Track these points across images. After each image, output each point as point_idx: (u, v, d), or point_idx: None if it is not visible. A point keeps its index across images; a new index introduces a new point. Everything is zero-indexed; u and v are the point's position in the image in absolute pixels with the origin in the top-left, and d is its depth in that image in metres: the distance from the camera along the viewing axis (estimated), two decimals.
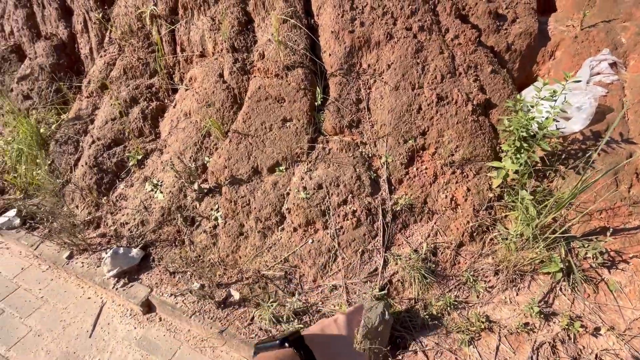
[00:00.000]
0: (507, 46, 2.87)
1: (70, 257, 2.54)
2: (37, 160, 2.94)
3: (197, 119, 2.67)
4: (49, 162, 2.96)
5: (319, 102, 2.63)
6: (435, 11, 2.85)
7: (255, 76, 2.71)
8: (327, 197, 2.27)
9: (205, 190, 2.49)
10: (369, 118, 2.62)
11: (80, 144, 3.04)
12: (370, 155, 2.50)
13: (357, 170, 2.37)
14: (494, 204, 2.32)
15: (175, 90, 3.06)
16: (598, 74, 2.50)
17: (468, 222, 2.23)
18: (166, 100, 3.04)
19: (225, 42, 2.79)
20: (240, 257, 2.32)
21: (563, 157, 2.31)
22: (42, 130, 3.13)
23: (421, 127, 2.52)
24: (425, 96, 2.58)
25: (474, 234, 2.23)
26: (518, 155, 2.20)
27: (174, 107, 2.89)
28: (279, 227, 2.30)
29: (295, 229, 2.24)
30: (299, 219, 2.23)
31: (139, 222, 2.58)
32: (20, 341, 2.14)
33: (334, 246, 2.15)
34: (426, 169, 2.44)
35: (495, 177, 2.29)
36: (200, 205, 2.50)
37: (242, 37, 2.84)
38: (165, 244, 2.49)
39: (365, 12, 2.76)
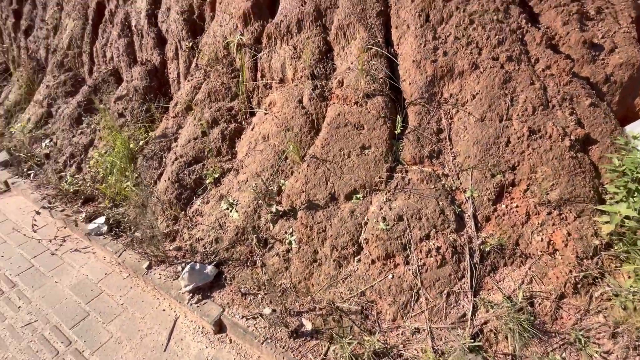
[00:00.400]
0: (606, 77, 2.64)
1: (149, 267, 2.66)
2: (127, 173, 3.20)
3: (275, 142, 2.74)
4: (136, 175, 3.20)
5: (399, 131, 2.57)
6: (523, 41, 2.72)
7: (333, 103, 2.75)
8: (408, 230, 2.16)
9: (280, 213, 2.51)
10: (450, 149, 2.51)
11: (164, 160, 3.26)
12: (453, 188, 2.37)
13: (440, 203, 2.24)
14: (600, 252, 2.04)
15: (252, 114, 3.20)
16: None
17: (570, 271, 1.98)
18: (244, 123, 3.19)
19: (305, 69, 2.89)
20: (313, 285, 2.26)
21: None
22: (131, 146, 3.42)
23: (510, 161, 2.35)
24: (514, 129, 2.42)
25: (578, 286, 1.97)
26: (634, 199, 1.94)
27: (252, 129, 3.00)
28: (356, 258, 2.22)
29: (373, 261, 2.15)
30: (377, 251, 2.14)
31: (213, 239, 2.65)
32: (103, 347, 2.23)
33: (416, 284, 2.01)
34: (517, 207, 2.24)
35: (604, 223, 2.03)
36: (274, 227, 2.52)
37: (321, 65, 2.92)
38: (237, 264, 2.51)
39: (449, 41, 2.71)
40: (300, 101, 2.81)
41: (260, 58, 3.16)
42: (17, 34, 5.74)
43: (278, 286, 2.32)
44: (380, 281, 2.08)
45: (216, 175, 2.96)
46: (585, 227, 2.10)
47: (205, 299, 2.37)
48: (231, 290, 2.41)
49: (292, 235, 2.41)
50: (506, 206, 2.25)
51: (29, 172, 4.09)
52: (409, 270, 2.05)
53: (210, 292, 2.42)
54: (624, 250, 1.97)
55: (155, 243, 2.75)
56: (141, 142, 3.50)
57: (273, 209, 2.48)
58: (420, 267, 2.05)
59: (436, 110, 2.62)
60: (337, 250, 2.24)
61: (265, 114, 2.95)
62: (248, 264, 2.50)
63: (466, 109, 2.56)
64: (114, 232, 3.03)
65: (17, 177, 4.09)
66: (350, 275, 2.18)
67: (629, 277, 1.92)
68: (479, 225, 2.22)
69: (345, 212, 2.33)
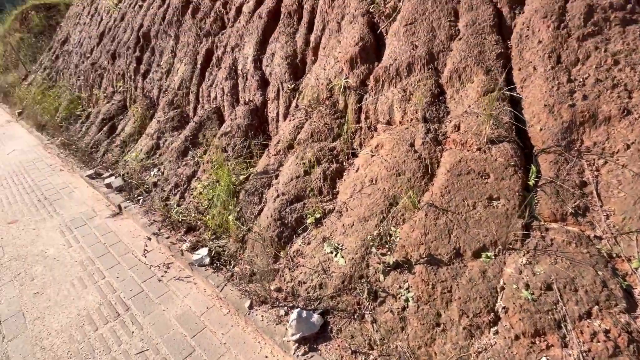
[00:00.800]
0: None
1: (250, 306, 2.63)
2: (230, 207, 3.32)
3: (385, 186, 2.63)
4: (238, 209, 3.30)
5: (532, 182, 2.29)
6: None
7: (450, 148, 2.58)
8: (561, 303, 1.81)
9: (393, 264, 2.33)
10: (600, 206, 2.14)
11: (264, 196, 3.34)
12: (612, 254, 1.98)
13: (600, 273, 1.87)
14: None
15: (354, 155, 3.16)
16: None
17: None
18: (345, 163, 3.16)
19: (417, 112, 2.80)
20: (436, 354, 1.98)
21: None
22: (232, 179, 3.59)
23: None
24: None
25: None
26: None
27: (356, 171, 2.95)
28: (491, 329, 1.92)
29: (517, 337, 1.82)
30: (522, 325, 1.82)
31: (317, 284, 2.54)
32: None
33: None
34: None
35: None
36: (385, 279, 2.33)
37: (433, 108, 2.81)
38: (343, 315, 2.35)
39: (588, 84, 2.42)
40: (412, 145, 2.70)
41: (366, 100, 3.16)
42: (137, 76, 6.71)
43: (393, 348, 2.09)
44: None
45: (317, 216, 2.92)
46: None
47: (312, 351, 2.22)
48: (339, 345, 2.23)
49: (409, 292, 2.20)
50: None
51: (139, 197, 4.52)
52: (570, 356, 1.69)
53: (317, 343, 2.27)
54: None
55: (256, 281, 2.73)
56: (242, 177, 3.66)
57: (387, 259, 2.32)
58: (584, 354, 1.67)
59: (576, 160, 2.30)
60: (467, 316, 1.97)
61: (372, 156, 2.88)
62: (355, 316, 2.33)
63: (618, 160, 2.20)
64: (215, 264, 3.11)
65: (128, 201, 4.55)
66: (486, 349, 1.87)
67: None
68: None
69: (474, 271, 2.06)
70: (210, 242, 3.27)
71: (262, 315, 2.54)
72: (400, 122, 2.93)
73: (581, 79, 2.47)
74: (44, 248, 3.88)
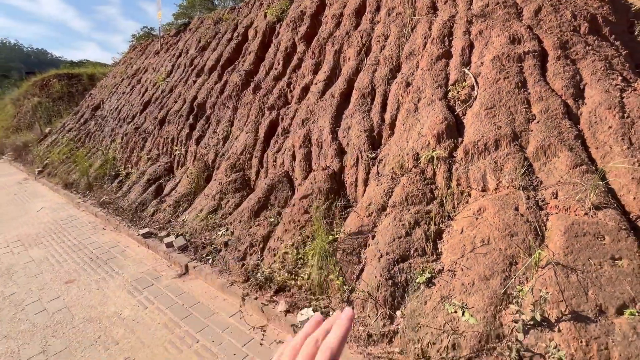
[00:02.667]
0: None
1: None
2: (330, 266, 3.39)
3: (500, 246, 2.85)
4: (338, 268, 3.37)
5: None
6: None
7: (554, 213, 2.90)
8: None
9: (534, 322, 2.42)
10: None
11: (362, 255, 3.46)
12: None
13: None
14: None
15: (449, 217, 3.43)
16: None
17: None
18: (442, 226, 3.40)
19: (513, 180, 3.18)
20: None
21: None
22: (327, 241, 3.71)
23: None
24: None
25: None
26: None
27: (460, 232, 3.18)
28: None
29: None
30: None
31: (449, 345, 2.55)
32: None
33: None
34: None
35: None
36: (525, 337, 2.40)
37: (527, 178, 3.21)
38: None
39: None
40: (517, 209, 3.01)
41: (456, 169, 3.56)
42: (188, 141, 7.13)
43: None
44: None
45: (428, 276, 3.03)
46: None
47: None
48: None
49: (559, 350, 2.26)
50: None
51: (207, 257, 4.49)
52: None
53: None
54: None
55: (373, 343, 2.70)
56: (330, 237, 3.79)
57: (524, 317, 2.42)
58: None
59: None
60: None
61: (477, 219, 3.15)
62: None
63: None
64: None
65: (196, 261, 4.49)
66: None
67: None
68: None
69: (625, 328, 2.19)
70: (314, 302, 3.25)
71: None
72: (495, 189, 3.28)
73: None
74: (116, 309, 3.69)
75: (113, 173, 8.37)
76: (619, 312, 2.29)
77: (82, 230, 6.20)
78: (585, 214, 2.77)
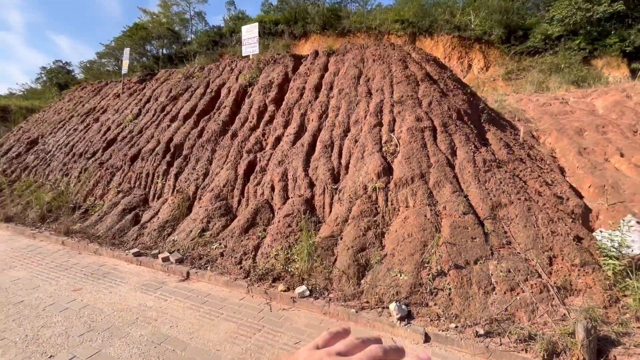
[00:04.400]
0: None
1: (356, 313, 4.12)
2: (314, 258, 4.94)
3: (417, 237, 4.85)
4: (319, 260, 4.94)
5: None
6: None
7: (445, 217, 5.08)
8: None
9: (437, 273, 4.35)
10: None
11: (335, 250, 5.11)
12: None
13: None
14: None
15: (387, 224, 5.38)
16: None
17: None
18: (383, 229, 5.31)
19: (423, 200, 5.35)
20: None
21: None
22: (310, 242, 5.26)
23: None
24: None
25: None
26: None
27: (395, 231, 5.12)
28: None
29: None
30: None
31: (394, 292, 4.29)
32: None
33: None
34: None
35: None
36: (432, 282, 4.30)
37: (430, 199, 5.42)
38: (420, 306, 4.11)
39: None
40: (425, 216, 5.12)
41: (390, 195, 5.64)
42: (166, 176, 8.06)
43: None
44: None
45: (378, 258, 4.82)
46: None
47: (409, 319, 3.85)
48: (423, 322, 3.93)
49: (450, 285, 4.19)
50: None
51: (206, 265, 5.54)
52: None
53: (409, 319, 3.92)
54: None
55: (350, 299, 4.30)
56: (310, 241, 5.36)
57: (433, 272, 4.34)
58: None
59: None
60: None
61: (404, 222, 5.16)
62: (424, 304, 4.11)
63: None
64: (313, 295, 4.51)
65: (195, 269, 5.50)
66: None
67: None
68: None
69: (477, 269, 4.26)
70: (305, 282, 4.69)
71: (366, 317, 4.06)
72: (413, 206, 5.40)
73: (490, 188, 5.47)
74: (139, 302, 4.50)
75: (72, 205, 8.51)
76: (475, 263, 4.38)
77: (55, 256, 6.43)
78: (460, 217, 5.01)
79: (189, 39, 31.09)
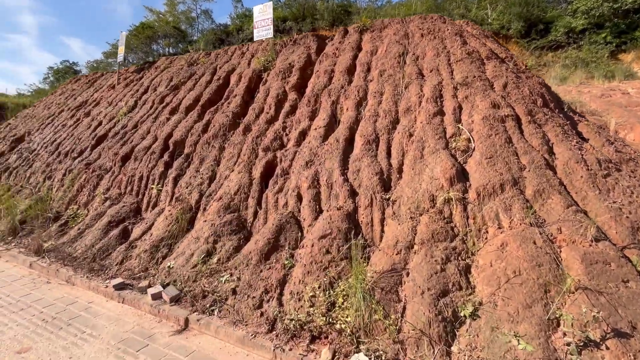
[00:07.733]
0: None
1: None
2: (372, 306, 3.30)
3: (532, 276, 3.19)
4: (381, 308, 3.30)
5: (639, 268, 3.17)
6: None
7: (564, 245, 3.41)
8: None
9: (582, 344, 2.69)
10: None
11: (400, 293, 3.47)
12: None
13: None
14: None
15: (471, 252, 3.73)
16: None
17: None
18: (467, 260, 3.66)
19: (524, 219, 3.68)
20: None
21: None
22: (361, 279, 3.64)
23: None
24: None
25: None
26: None
27: (490, 266, 3.47)
28: None
29: None
30: None
31: None
32: None
33: None
34: None
35: None
36: (578, 358, 2.63)
37: (533, 217, 3.74)
38: None
39: (625, 202, 3.73)
40: (535, 243, 3.45)
41: (472, 209, 3.98)
42: (164, 180, 6.51)
43: None
44: None
45: (471, 309, 3.18)
46: None
47: None
48: None
49: None
50: None
51: (212, 308, 3.94)
52: None
53: None
54: None
55: None
56: (360, 276, 3.73)
57: (575, 339, 2.68)
58: None
59: None
60: None
61: (502, 252, 3.50)
62: None
63: None
64: None
65: (197, 313, 3.90)
66: None
67: None
68: None
69: None
70: (362, 346, 3.06)
71: None
72: (509, 226, 3.74)
73: (620, 200, 3.78)
74: None
75: (51, 215, 7.00)
76: None
77: (16, 286, 4.90)
78: (590, 245, 3.33)
79: (195, 37, 29.97)
